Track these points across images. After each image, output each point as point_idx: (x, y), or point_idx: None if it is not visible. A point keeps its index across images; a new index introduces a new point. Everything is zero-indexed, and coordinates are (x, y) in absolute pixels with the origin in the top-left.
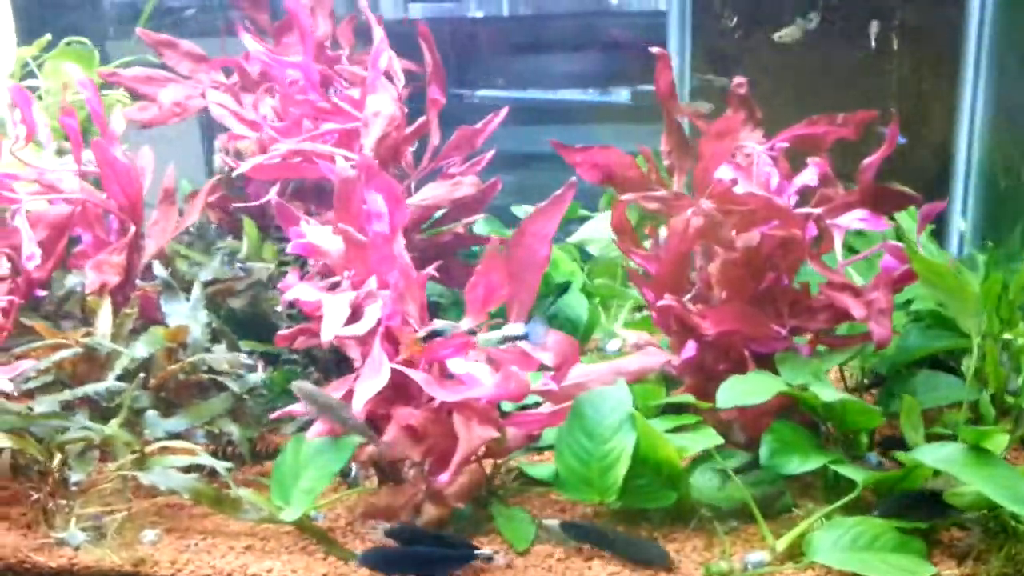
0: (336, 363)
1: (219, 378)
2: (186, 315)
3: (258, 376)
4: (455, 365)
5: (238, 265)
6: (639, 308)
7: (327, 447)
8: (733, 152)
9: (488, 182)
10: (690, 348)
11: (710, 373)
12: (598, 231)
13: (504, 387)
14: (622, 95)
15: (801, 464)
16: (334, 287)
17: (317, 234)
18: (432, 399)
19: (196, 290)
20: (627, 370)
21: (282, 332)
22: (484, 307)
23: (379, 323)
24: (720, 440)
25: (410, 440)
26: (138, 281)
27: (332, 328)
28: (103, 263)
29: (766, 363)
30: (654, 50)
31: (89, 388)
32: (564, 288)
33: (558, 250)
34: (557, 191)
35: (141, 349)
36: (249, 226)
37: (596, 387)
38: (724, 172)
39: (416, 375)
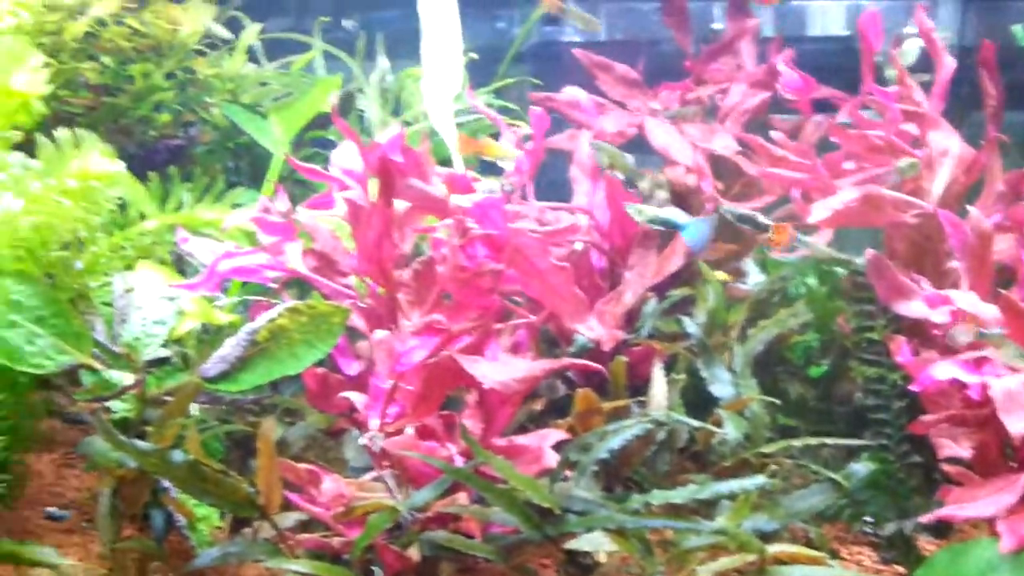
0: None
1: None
2: (731, 382)
3: (864, 467)
4: None
5: None
6: None
7: None
8: None
9: None
10: None
11: None
12: None
13: None
14: None
15: None
16: (981, 363)
17: (966, 300)
18: None
19: (740, 352)
20: None
21: (926, 418)
22: None
23: None
24: None
25: None
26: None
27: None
28: (604, 314)
29: None
30: None
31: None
32: None
33: None
34: None
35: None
36: (707, 272)
37: None
38: None
39: None
